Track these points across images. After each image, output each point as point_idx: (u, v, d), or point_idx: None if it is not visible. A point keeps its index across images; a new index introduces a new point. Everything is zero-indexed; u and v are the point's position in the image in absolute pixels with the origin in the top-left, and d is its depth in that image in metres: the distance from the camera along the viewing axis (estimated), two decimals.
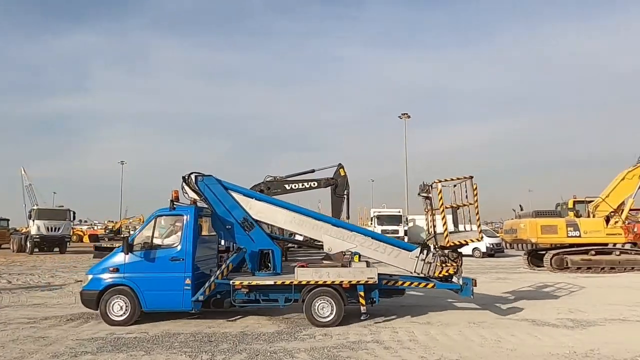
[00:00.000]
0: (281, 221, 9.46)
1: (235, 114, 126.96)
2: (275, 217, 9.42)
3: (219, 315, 8.81)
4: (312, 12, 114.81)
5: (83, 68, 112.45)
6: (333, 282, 8.40)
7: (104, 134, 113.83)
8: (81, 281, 14.91)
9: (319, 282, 8.41)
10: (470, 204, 8.94)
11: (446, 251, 8.99)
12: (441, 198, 9.05)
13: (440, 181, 9.16)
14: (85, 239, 50.47)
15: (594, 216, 18.76)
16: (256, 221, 9.29)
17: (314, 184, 13.38)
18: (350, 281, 8.41)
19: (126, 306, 8.42)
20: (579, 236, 17.88)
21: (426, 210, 9.97)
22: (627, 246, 18.34)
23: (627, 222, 19.13)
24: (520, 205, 30.23)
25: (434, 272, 8.92)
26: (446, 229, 8.90)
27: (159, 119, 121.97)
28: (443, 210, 9.02)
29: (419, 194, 9.96)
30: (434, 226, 9.60)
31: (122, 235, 40.85)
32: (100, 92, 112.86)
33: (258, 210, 9.37)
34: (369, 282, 8.44)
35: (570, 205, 21.12)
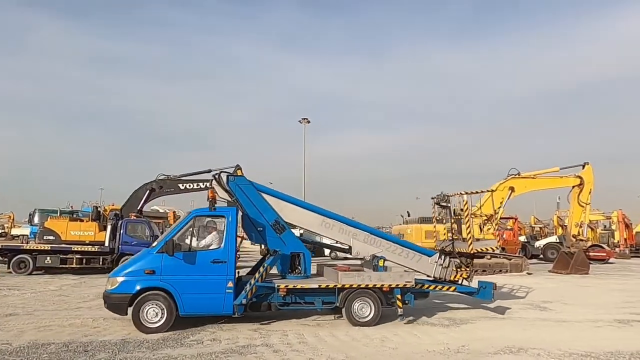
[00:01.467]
0: (310, 224, 9.49)
1: (122, 107, 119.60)
2: (304, 220, 9.47)
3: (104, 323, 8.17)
4: (209, 6, 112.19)
5: None
6: (375, 285, 8.70)
7: None
8: None
9: (361, 286, 8.64)
10: (491, 214, 10.01)
11: (461, 257, 9.96)
12: (467, 208, 9.74)
13: (466, 193, 9.86)
14: None
15: None
16: (287, 224, 9.14)
17: (210, 185, 13.03)
18: (390, 285, 8.73)
19: (162, 311, 7.84)
20: None
21: (437, 218, 10.58)
22: (497, 251, 20.33)
23: (497, 229, 21.25)
24: (407, 212, 32.30)
25: (450, 276, 9.65)
26: (471, 237, 9.78)
27: (34, 107, 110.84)
28: (468, 220, 9.72)
29: (437, 203, 10.53)
30: (452, 233, 10.32)
31: None
32: None
33: (288, 212, 9.26)
34: (406, 286, 8.87)
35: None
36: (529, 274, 19.17)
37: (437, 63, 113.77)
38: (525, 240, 29.65)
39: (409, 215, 31.28)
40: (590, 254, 25.04)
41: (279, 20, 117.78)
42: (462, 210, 10.67)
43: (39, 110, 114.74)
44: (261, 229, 9.13)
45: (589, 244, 26.65)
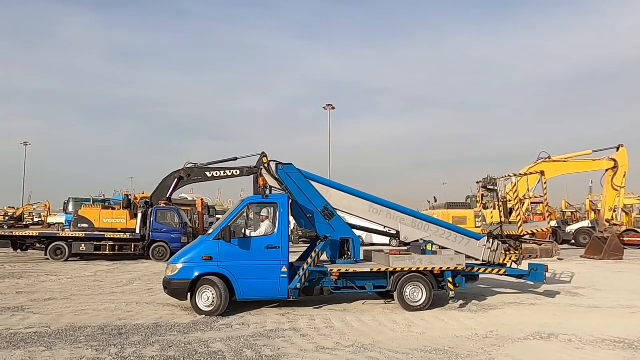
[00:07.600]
0: (358, 210, 9.61)
1: (145, 97, 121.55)
2: (352, 206, 9.58)
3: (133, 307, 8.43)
4: None
5: None
6: (426, 268, 8.71)
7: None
8: None
9: (412, 269, 8.66)
10: (540, 196, 10.00)
11: (510, 241, 10.00)
12: (516, 191, 9.79)
13: (514, 175, 10.17)
14: None
15: None
16: (336, 210, 9.31)
17: (237, 172, 13.13)
18: (441, 267, 8.76)
19: (218, 295, 8.12)
20: None
21: (483, 202, 10.70)
22: (527, 237, 19.97)
23: (526, 214, 20.83)
24: (434, 197, 32.00)
25: (499, 260, 9.66)
26: (520, 219, 9.80)
27: (65, 100, 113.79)
28: (517, 202, 9.89)
29: (484, 187, 10.55)
30: (501, 216, 10.37)
31: (24, 223, 37.59)
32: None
33: (337, 199, 9.44)
34: (457, 269, 8.86)
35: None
36: (559, 259, 18.78)
37: (460, 47, 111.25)
38: (556, 225, 28.99)
39: (435, 201, 30.95)
40: (625, 239, 24.30)
41: (298, 8, 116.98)
42: (509, 192, 10.62)
43: (70, 102, 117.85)
44: (310, 215, 9.28)
45: (623, 228, 25.86)
